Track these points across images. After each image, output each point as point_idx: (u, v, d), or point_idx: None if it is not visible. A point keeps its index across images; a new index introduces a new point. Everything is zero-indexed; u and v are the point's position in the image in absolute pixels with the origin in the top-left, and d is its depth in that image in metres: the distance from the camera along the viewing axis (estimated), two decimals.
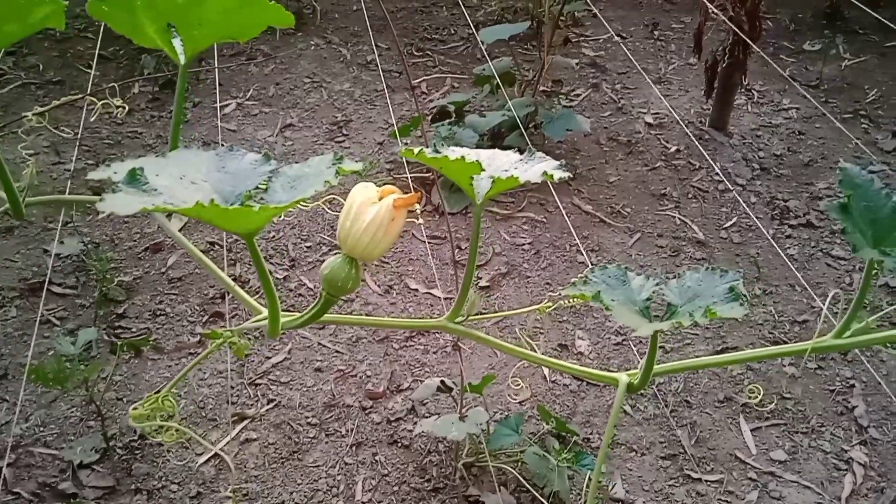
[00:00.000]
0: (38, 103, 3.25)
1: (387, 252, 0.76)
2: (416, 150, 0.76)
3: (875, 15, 1.99)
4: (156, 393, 0.79)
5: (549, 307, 1.00)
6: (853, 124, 3.49)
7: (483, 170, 0.75)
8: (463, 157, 0.73)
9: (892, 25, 1.85)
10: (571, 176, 0.78)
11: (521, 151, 0.88)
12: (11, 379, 2.23)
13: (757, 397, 0.87)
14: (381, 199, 0.76)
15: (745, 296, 0.62)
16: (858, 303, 0.65)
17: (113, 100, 1.11)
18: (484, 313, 0.87)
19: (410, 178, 2.97)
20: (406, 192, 0.78)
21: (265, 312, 0.83)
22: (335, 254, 0.77)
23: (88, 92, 1.12)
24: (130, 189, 0.61)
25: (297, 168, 0.73)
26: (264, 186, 0.72)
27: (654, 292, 0.66)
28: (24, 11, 0.72)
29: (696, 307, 0.62)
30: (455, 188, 2.92)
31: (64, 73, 3.44)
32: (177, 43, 0.86)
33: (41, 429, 2.12)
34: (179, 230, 2.87)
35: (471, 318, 0.85)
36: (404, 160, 3.00)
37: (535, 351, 1.00)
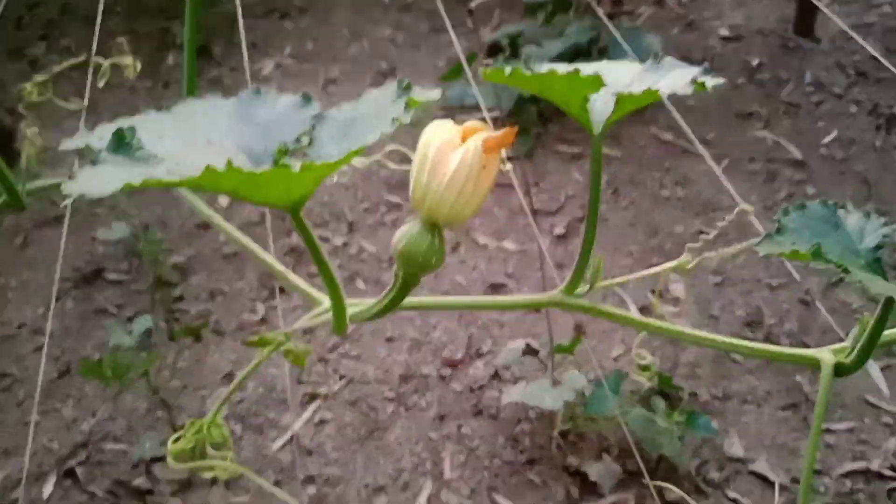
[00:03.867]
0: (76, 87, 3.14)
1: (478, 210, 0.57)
2: (507, 70, 0.56)
3: None
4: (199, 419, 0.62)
5: (689, 263, 0.79)
6: None
7: (604, 85, 0.55)
8: (577, 71, 0.52)
9: None
10: (724, 80, 0.56)
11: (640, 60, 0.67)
12: (76, 374, 2.15)
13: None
14: (464, 140, 0.56)
15: None
16: None
17: (122, 58, 0.93)
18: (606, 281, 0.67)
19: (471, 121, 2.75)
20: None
21: (326, 303, 0.65)
22: (410, 219, 0.58)
23: (94, 52, 0.95)
24: (117, 157, 0.43)
25: (349, 108, 0.53)
26: (307, 138, 0.53)
27: (884, 237, 0.44)
28: None
29: None
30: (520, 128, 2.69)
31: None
32: None
33: (109, 423, 2.03)
34: (228, 204, 2.73)
35: (595, 287, 0.65)
36: (474, 94, 2.78)
37: (671, 321, 0.79)
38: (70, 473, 1.93)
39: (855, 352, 0.50)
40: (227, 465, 0.59)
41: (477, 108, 2.75)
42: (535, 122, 2.73)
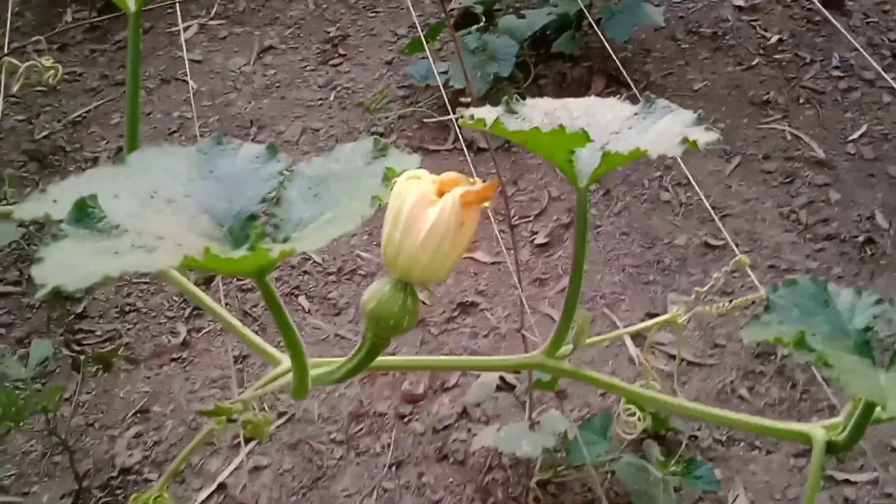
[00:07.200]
0: None
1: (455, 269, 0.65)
2: (487, 121, 0.64)
3: None
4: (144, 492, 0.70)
5: (682, 316, 0.89)
6: None
7: (590, 140, 0.64)
8: (562, 128, 0.61)
9: None
10: (720, 138, 0.65)
11: (632, 100, 0.77)
12: None
13: None
14: (440, 194, 0.65)
15: None
16: None
17: (42, 59, 1.00)
18: (594, 338, 0.77)
19: (428, 106, 2.83)
20: (469, 178, 0.66)
21: (285, 363, 0.73)
22: (381, 277, 0.66)
23: (6, 49, 1.00)
24: (81, 231, 0.51)
25: (320, 164, 0.62)
26: (274, 195, 0.61)
27: (874, 317, 0.54)
28: None
29: None
30: None
31: None
32: None
33: None
34: None
35: (580, 346, 0.74)
36: (418, 83, 2.86)
37: (656, 381, 0.89)
38: None
39: (847, 430, 0.60)
40: None
41: (445, 86, 2.84)
42: None
